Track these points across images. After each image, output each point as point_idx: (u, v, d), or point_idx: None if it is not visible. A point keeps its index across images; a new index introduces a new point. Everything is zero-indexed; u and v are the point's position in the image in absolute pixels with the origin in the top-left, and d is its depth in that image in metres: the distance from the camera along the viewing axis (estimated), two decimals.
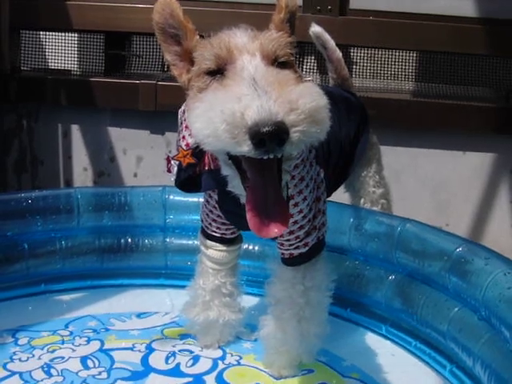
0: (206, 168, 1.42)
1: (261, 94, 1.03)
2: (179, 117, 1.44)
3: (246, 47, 1.17)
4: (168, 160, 1.41)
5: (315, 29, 1.94)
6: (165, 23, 1.28)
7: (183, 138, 1.40)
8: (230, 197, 1.43)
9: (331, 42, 1.97)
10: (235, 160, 1.19)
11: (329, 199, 1.66)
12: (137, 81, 2.65)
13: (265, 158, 1.05)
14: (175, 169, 1.40)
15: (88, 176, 2.83)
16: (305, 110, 1.04)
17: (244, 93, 1.05)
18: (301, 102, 1.04)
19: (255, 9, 2.59)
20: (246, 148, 1.02)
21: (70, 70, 2.87)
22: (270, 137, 1.00)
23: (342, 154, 1.73)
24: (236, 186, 1.29)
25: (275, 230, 1.13)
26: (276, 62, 1.19)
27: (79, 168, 2.83)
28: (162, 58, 2.86)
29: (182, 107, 1.44)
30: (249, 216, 1.14)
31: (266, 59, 1.17)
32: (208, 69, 1.20)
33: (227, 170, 1.27)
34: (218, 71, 1.19)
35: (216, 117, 1.04)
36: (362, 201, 1.93)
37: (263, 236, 1.15)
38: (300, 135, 1.04)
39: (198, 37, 1.29)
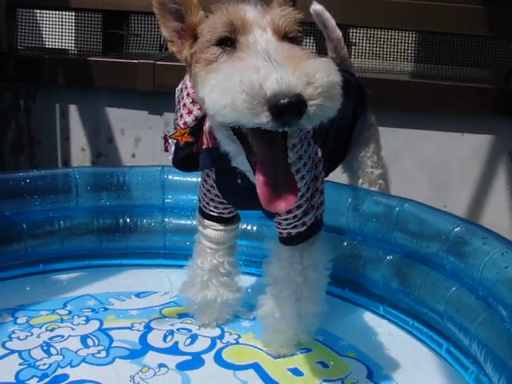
0: (204, 147, 1.42)
1: (277, 67, 1.03)
2: (176, 95, 1.43)
3: (258, 21, 1.17)
4: (165, 139, 1.41)
5: (316, 7, 1.92)
6: None
7: (181, 116, 1.39)
8: (228, 176, 1.43)
9: (331, 21, 1.96)
10: (240, 135, 1.19)
11: (327, 179, 1.67)
12: (135, 60, 2.63)
13: (280, 130, 1.06)
14: (172, 148, 1.40)
15: (86, 156, 2.82)
16: (322, 84, 1.04)
17: (260, 64, 1.04)
18: (318, 76, 1.04)
19: None
20: (264, 119, 1.02)
21: (68, 50, 2.85)
22: (289, 108, 1.00)
23: (340, 134, 1.73)
24: (240, 161, 1.28)
25: (285, 203, 1.15)
26: (285, 37, 1.18)
27: (77, 148, 2.82)
28: (161, 38, 2.84)
29: (180, 85, 1.43)
30: (259, 190, 1.15)
31: (276, 34, 1.16)
32: (220, 36, 1.18)
33: (230, 146, 1.27)
34: (228, 41, 1.18)
35: (234, 87, 1.03)
36: (360, 181, 1.93)
37: (274, 210, 1.16)
38: (316, 109, 1.04)
39: (202, 12, 1.27)
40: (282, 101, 0.99)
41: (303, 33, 1.26)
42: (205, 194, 1.58)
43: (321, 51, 2.71)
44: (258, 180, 1.15)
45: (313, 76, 1.04)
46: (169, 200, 2.07)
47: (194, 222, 1.79)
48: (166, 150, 1.42)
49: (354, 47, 2.78)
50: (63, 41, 2.82)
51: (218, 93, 1.06)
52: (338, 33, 1.96)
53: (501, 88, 2.63)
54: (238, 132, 1.18)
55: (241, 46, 1.15)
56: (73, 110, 2.78)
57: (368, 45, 2.79)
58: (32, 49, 2.83)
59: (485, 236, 1.51)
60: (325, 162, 1.54)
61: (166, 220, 2.09)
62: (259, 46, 1.11)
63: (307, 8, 1.91)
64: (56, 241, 2.00)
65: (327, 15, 1.95)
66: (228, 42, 1.18)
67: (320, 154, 1.52)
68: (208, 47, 1.21)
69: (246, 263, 1.98)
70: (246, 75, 1.03)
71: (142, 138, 2.77)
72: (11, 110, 2.78)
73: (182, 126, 1.38)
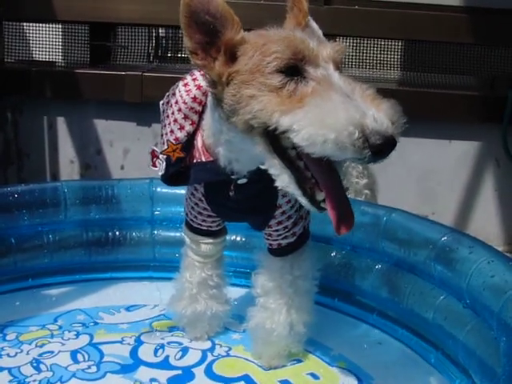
0: (196, 160, 1.42)
1: (364, 107, 1.09)
2: (161, 110, 1.44)
3: (322, 53, 1.19)
4: (153, 154, 1.41)
5: None
6: (198, 7, 1.19)
7: (171, 131, 1.39)
8: (218, 189, 1.43)
9: (319, 32, 1.97)
10: (287, 161, 1.21)
11: None
12: (122, 72, 2.64)
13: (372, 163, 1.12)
14: (163, 164, 1.40)
15: (74, 169, 2.82)
16: (400, 124, 1.11)
17: (347, 102, 1.09)
18: (396, 116, 1.11)
19: None
20: (363, 155, 1.07)
21: (55, 62, 2.85)
22: (388, 147, 1.07)
23: None
24: (286, 185, 1.25)
25: (352, 224, 1.21)
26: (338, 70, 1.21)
27: (65, 161, 2.82)
28: (148, 49, 2.85)
29: (164, 99, 1.43)
30: (334, 216, 1.20)
31: (336, 69, 1.19)
32: (288, 63, 1.17)
33: (277, 170, 1.24)
34: (294, 72, 1.17)
35: (339, 123, 1.07)
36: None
37: (346, 232, 1.21)
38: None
39: (243, 31, 1.24)
40: (381, 140, 1.06)
41: None
42: (192, 208, 1.58)
43: None
44: (331, 207, 1.20)
45: (394, 116, 1.10)
46: (158, 212, 2.07)
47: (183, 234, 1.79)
48: (154, 165, 1.42)
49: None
50: (50, 53, 2.82)
51: (321, 127, 1.08)
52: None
53: (487, 95, 2.66)
54: (286, 158, 1.21)
55: (312, 77, 1.16)
56: (61, 122, 2.78)
57: (355, 54, 2.81)
58: (19, 61, 2.83)
59: (471, 245, 1.52)
60: None
61: (156, 232, 2.08)
62: (334, 80, 1.15)
63: None
64: (45, 255, 1.99)
65: (314, 25, 1.96)
66: (294, 70, 1.18)
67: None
68: (270, 73, 1.18)
69: (234, 274, 1.99)
70: (348, 113, 1.07)
71: (130, 150, 2.77)
72: None
73: (174, 142, 1.39)
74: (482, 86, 2.78)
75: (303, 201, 1.22)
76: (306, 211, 1.52)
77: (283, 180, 1.23)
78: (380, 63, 2.80)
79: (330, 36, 2.16)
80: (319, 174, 1.20)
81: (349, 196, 1.89)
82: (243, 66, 1.21)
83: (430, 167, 2.69)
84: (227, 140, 1.30)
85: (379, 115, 1.07)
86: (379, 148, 1.06)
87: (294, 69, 1.17)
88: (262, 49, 1.19)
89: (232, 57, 1.23)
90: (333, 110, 1.09)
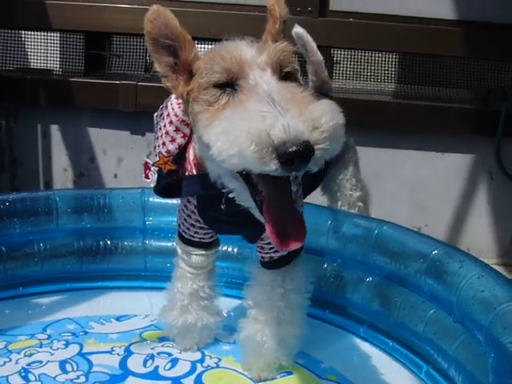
0: (187, 173, 1.42)
1: (282, 112, 1.04)
2: (155, 122, 1.44)
3: (256, 61, 1.18)
4: (146, 166, 1.41)
5: (298, 30, 1.95)
6: (158, 34, 1.24)
7: (163, 144, 1.40)
8: (210, 201, 1.43)
9: (313, 44, 1.98)
10: (245, 174, 1.19)
11: (307, 201, 1.68)
12: (117, 81, 2.64)
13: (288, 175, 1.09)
14: (155, 176, 1.40)
15: (68, 177, 2.81)
16: (327, 128, 1.06)
17: (264, 110, 1.05)
18: (323, 120, 1.06)
19: (245, 10, 2.61)
20: (273, 167, 1.03)
21: (50, 70, 2.85)
22: (298, 156, 1.02)
23: None
24: (244, 199, 1.27)
25: (295, 243, 1.17)
26: (282, 72, 1.20)
27: (59, 168, 2.81)
28: (143, 59, 2.85)
29: (158, 111, 1.44)
30: (269, 232, 1.17)
31: (275, 72, 1.18)
32: (218, 82, 1.19)
33: (234, 184, 1.27)
34: (227, 85, 1.18)
35: (241, 137, 1.04)
36: (339, 203, 1.94)
37: (285, 249, 1.21)
38: (322, 152, 1.06)
39: (196, 48, 1.27)
40: (290, 149, 1.01)
41: (298, 64, 1.28)
42: (185, 220, 1.58)
43: (302, 72, 2.74)
44: (268, 223, 1.17)
45: (318, 120, 1.05)
46: (150, 222, 2.07)
47: (175, 244, 1.79)
48: (147, 177, 1.42)
49: (337, 65, 2.80)
50: (45, 61, 2.81)
51: (225, 142, 1.07)
52: (319, 56, 1.99)
53: (480, 108, 2.67)
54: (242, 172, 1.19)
55: (241, 88, 1.16)
56: (55, 130, 2.78)
57: (350, 65, 2.82)
58: (14, 69, 2.83)
59: (462, 259, 1.52)
60: (303, 185, 1.55)
61: (147, 242, 2.08)
62: (260, 88, 1.12)
63: (289, 31, 1.93)
64: (36, 263, 1.98)
65: (309, 38, 1.97)
66: (227, 84, 1.18)
67: (300, 177, 1.53)
68: (206, 88, 1.20)
69: (226, 285, 1.98)
70: (253, 124, 1.03)
71: (124, 158, 2.77)
72: None
73: (166, 154, 1.39)
74: (476, 99, 2.79)
75: (255, 213, 1.24)
76: None
77: (239, 192, 1.26)
78: (374, 75, 2.81)
79: (323, 48, 2.18)
80: (265, 187, 1.18)
81: (342, 208, 1.93)
82: (195, 84, 1.24)
83: (423, 179, 2.70)
84: (210, 155, 1.31)
85: (293, 122, 1.02)
86: (287, 157, 1.01)
87: (226, 82, 1.18)
88: (204, 65, 1.22)
89: (191, 75, 1.26)
90: (239, 122, 1.06)
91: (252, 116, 1.05)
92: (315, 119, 1.05)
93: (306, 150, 1.02)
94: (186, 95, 1.27)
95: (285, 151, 1.01)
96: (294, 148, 1.01)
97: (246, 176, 1.20)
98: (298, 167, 1.04)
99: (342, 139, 1.11)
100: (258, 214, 1.22)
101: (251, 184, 1.20)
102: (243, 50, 1.20)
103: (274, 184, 1.16)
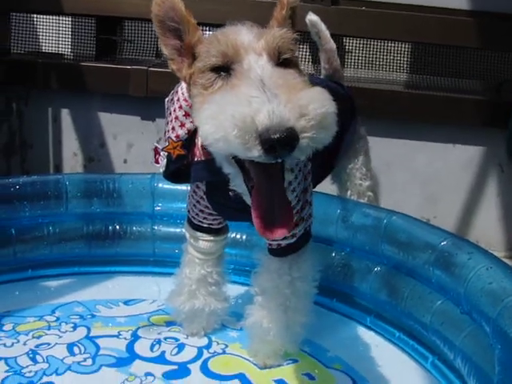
0: (196, 159, 1.42)
1: (270, 98, 1.02)
2: (166, 106, 1.44)
3: (252, 46, 1.17)
4: (156, 151, 1.41)
5: (312, 17, 1.94)
6: (164, 16, 1.25)
7: (173, 129, 1.40)
8: (219, 188, 1.43)
9: (326, 32, 1.97)
10: (238, 159, 1.18)
11: (316, 189, 1.68)
12: (128, 66, 2.64)
13: (273, 162, 1.06)
14: (164, 160, 1.40)
15: (78, 161, 2.82)
16: (315, 116, 1.04)
17: (253, 95, 1.04)
18: (311, 107, 1.04)
19: None
20: (256, 153, 1.02)
21: (61, 54, 2.85)
22: (280, 143, 1.00)
23: (327, 146, 1.74)
24: (238, 184, 1.29)
25: (280, 232, 1.16)
26: (280, 58, 1.19)
27: (69, 153, 2.82)
28: (154, 44, 2.85)
29: (169, 96, 1.43)
30: (254, 218, 1.16)
31: (271, 58, 1.16)
32: (213, 65, 1.19)
33: (229, 169, 1.27)
34: (223, 68, 1.18)
35: (226, 121, 1.03)
36: (349, 193, 1.94)
37: (268, 238, 1.18)
38: (309, 141, 1.04)
39: (200, 32, 1.27)
40: (273, 135, 0.99)
41: (298, 48, 1.26)
42: (194, 206, 1.58)
43: (314, 60, 2.73)
44: (253, 209, 1.17)
45: (306, 107, 1.03)
46: (159, 208, 2.07)
47: (184, 230, 1.80)
48: (157, 161, 1.42)
49: (349, 54, 2.79)
50: (57, 45, 2.82)
51: (211, 125, 1.06)
52: (332, 44, 1.98)
53: (493, 100, 2.65)
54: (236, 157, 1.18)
55: (235, 72, 1.15)
56: (65, 114, 2.78)
57: (363, 54, 2.80)
58: (26, 53, 2.83)
59: (470, 251, 1.52)
60: (313, 174, 1.55)
61: (156, 227, 2.09)
62: (253, 73, 1.11)
63: (303, 18, 1.92)
64: (45, 247, 1.99)
65: (322, 26, 1.96)
66: (222, 68, 1.18)
67: (310, 166, 1.53)
68: (203, 71, 1.21)
69: (234, 272, 1.99)
70: (239, 108, 1.02)
71: (134, 144, 2.77)
72: (3, 113, 2.78)
73: (175, 139, 1.39)
74: (488, 90, 2.77)
75: (247, 199, 1.25)
76: (308, 213, 1.52)
77: (233, 177, 1.27)
78: (386, 65, 2.79)
79: (336, 36, 2.16)
80: (254, 173, 1.17)
81: (351, 198, 1.92)
82: (195, 68, 1.24)
83: (433, 171, 2.68)
84: None
85: (278, 108, 1.00)
86: (270, 144, 1.00)
87: (222, 66, 1.18)
88: (204, 49, 1.22)
89: (194, 59, 1.26)
90: (226, 106, 1.05)
91: (239, 100, 1.04)
92: (303, 106, 1.03)
93: (289, 138, 1.00)
94: (188, 78, 1.28)
95: (267, 138, 1.00)
96: (277, 135, 0.99)
97: (238, 161, 1.19)
98: (281, 154, 1.03)
99: (332, 128, 1.09)
100: (249, 200, 1.21)
101: (244, 170, 1.20)
102: (241, 35, 1.19)
103: (265, 171, 1.16)
